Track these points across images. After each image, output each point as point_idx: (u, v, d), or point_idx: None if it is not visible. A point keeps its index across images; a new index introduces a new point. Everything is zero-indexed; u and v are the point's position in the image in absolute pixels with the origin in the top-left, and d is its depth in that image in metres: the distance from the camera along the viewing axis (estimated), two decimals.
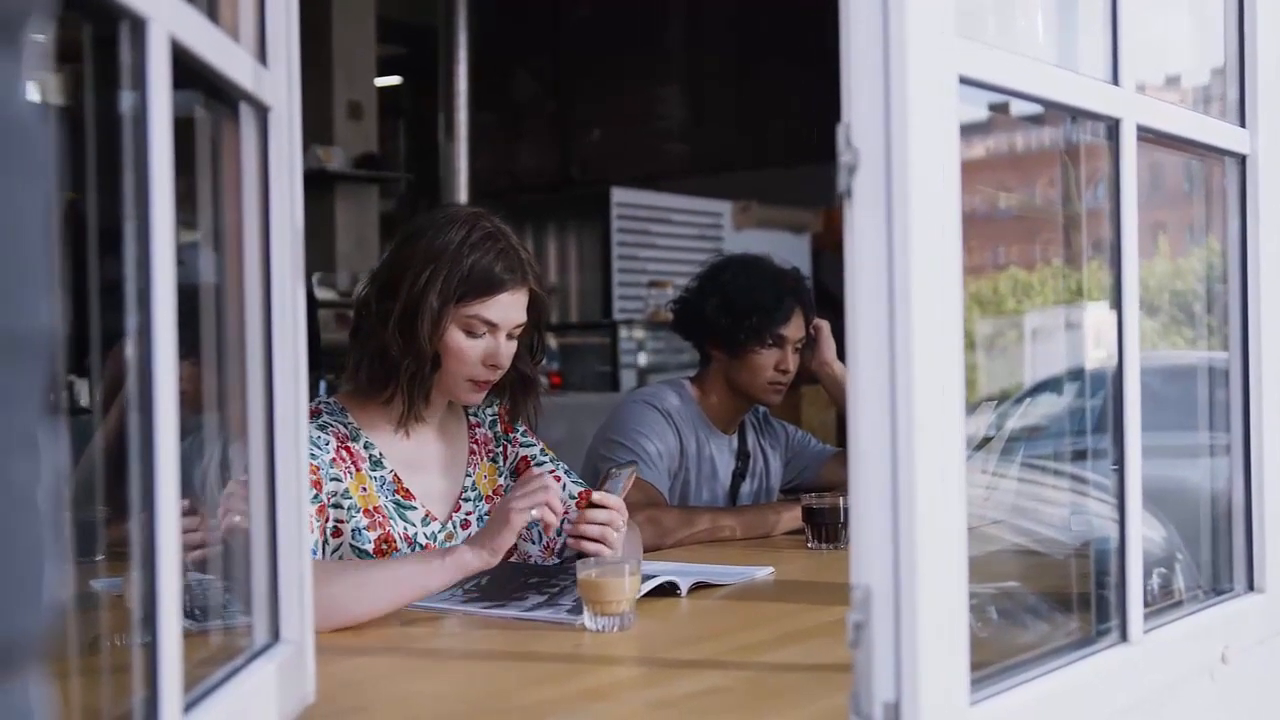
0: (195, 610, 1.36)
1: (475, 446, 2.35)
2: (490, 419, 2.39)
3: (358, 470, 2.16)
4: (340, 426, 2.17)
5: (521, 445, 2.40)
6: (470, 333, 2.16)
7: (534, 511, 1.95)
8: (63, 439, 0.59)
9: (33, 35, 0.57)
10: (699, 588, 2.14)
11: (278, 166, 1.35)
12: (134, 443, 0.99)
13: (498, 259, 2.16)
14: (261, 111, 1.33)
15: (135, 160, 0.99)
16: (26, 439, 0.55)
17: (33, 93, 0.57)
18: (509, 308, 2.18)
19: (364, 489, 2.15)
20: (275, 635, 1.35)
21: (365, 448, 2.19)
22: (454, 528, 2.26)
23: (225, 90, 1.25)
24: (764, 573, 2.31)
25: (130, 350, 1.00)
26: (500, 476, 2.36)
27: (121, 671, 1.12)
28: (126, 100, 1.00)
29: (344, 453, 2.15)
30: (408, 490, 2.21)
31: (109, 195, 1.00)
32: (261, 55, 1.33)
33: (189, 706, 1.08)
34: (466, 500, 2.30)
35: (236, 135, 1.32)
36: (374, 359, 2.17)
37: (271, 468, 1.35)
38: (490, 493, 2.33)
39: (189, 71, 1.10)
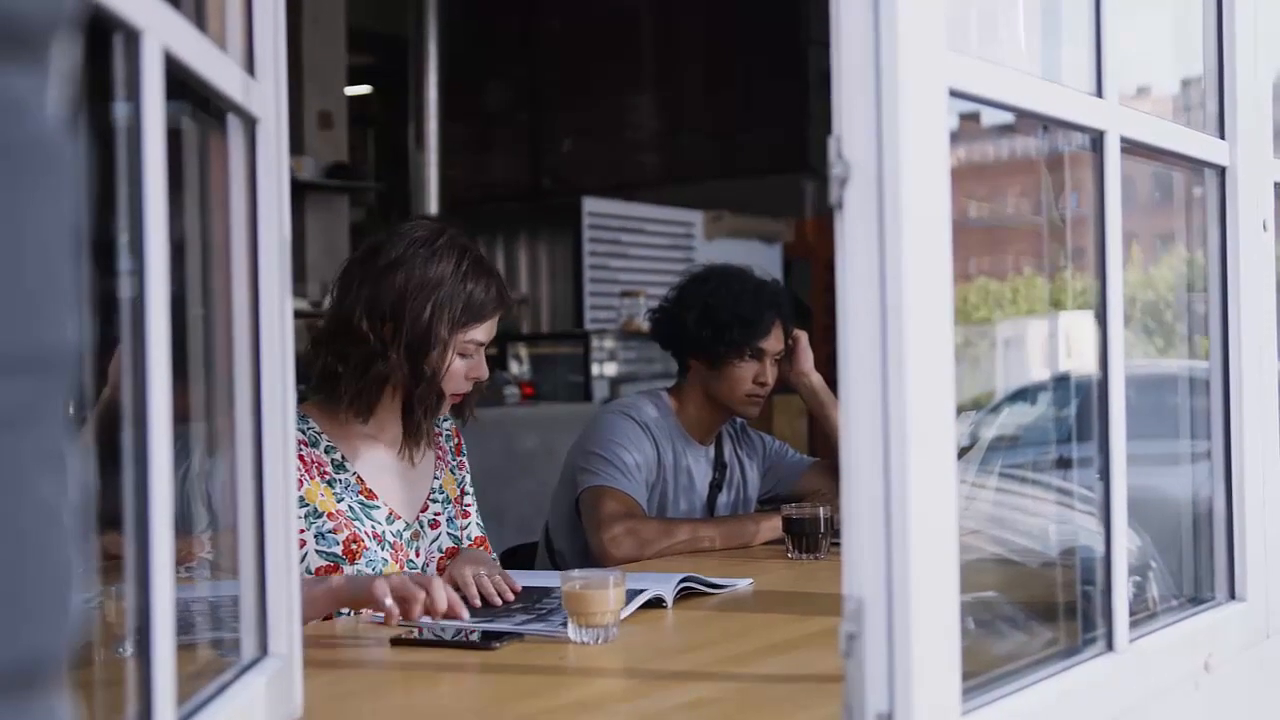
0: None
1: (440, 452, 2.44)
2: (446, 433, 2.47)
3: (312, 477, 2.21)
4: (298, 433, 2.19)
5: (466, 471, 2.50)
6: (463, 355, 2.27)
7: (388, 601, 1.90)
8: (86, 455, 0.58)
9: (58, 52, 0.57)
10: (685, 595, 2.15)
11: (266, 178, 1.34)
12: (127, 457, 0.98)
13: (491, 285, 2.28)
14: (250, 123, 1.32)
15: (129, 171, 0.98)
16: (54, 455, 0.55)
17: (57, 108, 0.57)
18: (494, 326, 2.31)
19: (322, 494, 2.21)
20: (263, 649, 1.34)
21: (327, 452, 2.25)
22: (421, 526, 2.34)
23: (214, 102, 1.24)
24: (744, 584, 2.32)
25: (121, 362, 1.00)
26: (457, 487, 2.45)
27: (108, 685, 1.12)
28: (119, 111, 0.99)
29: (299, 460, 2.18)
30: (371, 490, 2.27)
31: (99, 206, 0.99)
32: (250, 67, 1.32)
33: None
34: (435, 501, 2.38)
35: (224, 147, 1.31)
36: (370, 382, 2.22)
37: (259, 481, 1.34)
38: (453, 499, 2.42)
39: (178, 82, 1.09)
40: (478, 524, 2.49)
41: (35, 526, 0.54)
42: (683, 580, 2.16)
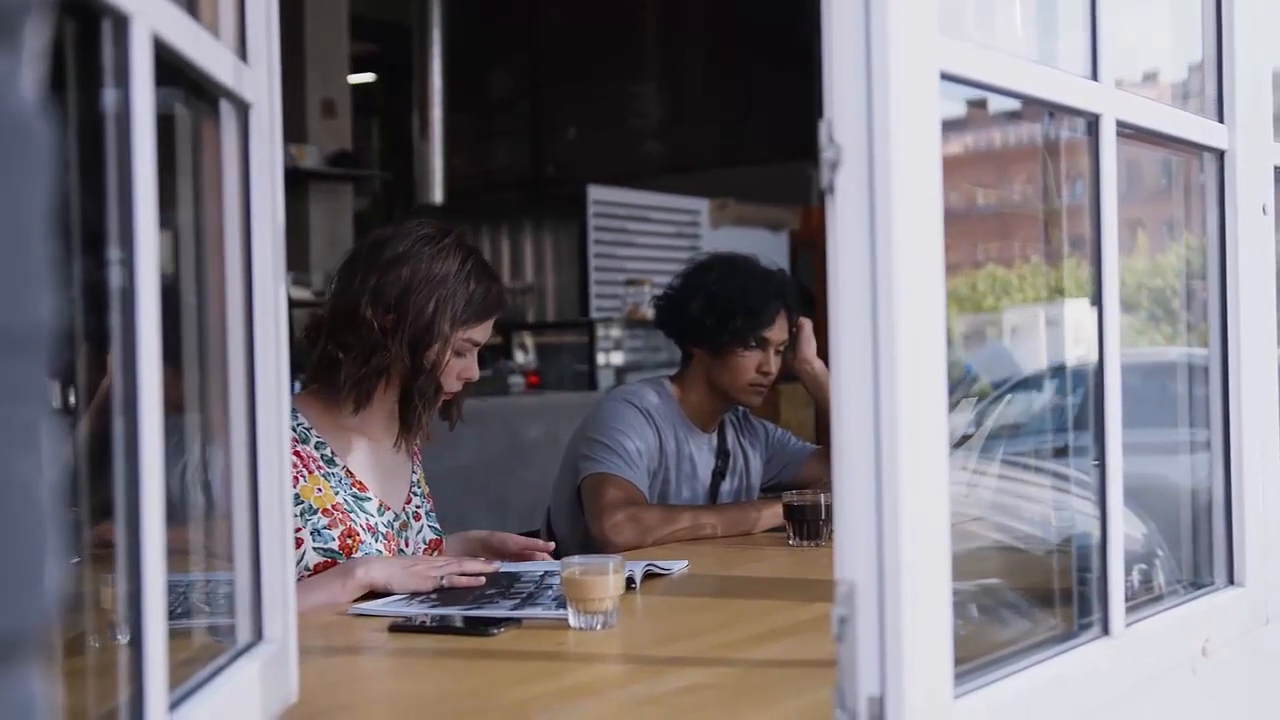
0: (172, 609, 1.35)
1: (416, 448, 2.46)
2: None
3: (310, 472, 2.23)
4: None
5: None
6: (459, 353, 2.30)
7: (444, 581, 2.11)
8: (63, 435, 0.59)
9: (32, 32, 0.57)
10: (649, 577, 2.20)
11: (259, 164, 1.34)
12: (118, 445, 0.98)
13: (491, 287, 2.31)
14: (242, 109, 1.32)
15: (118, 158, 0.98)
16: (29, 434, 0.56)
17: (31, 89, 0.57)
18: (490, 328, 2.35)
19: (319, 489, 2.23)
20: (258, 634, 1.35)
21: (316, 448, 2.27)
22: (407, 517, 2.38)
23: (206, 87, 1.24)
24: (680, 565, 2.35)
25: (113, 352, 1.00)
26: (426, 484, 2.50)
27: (102, 672, 1.12)
28: (108, 97, 0.99)
29: (294, 457, 2.19)
30: (361, 483, 2.30)
31: (88, 194, 0.99)
32: (242, 52, 1.32)
33: (173, 705, 1.07)
34: (416, 494, 2.42)
35: (216, 133, 1.31)
36: (370, 372, 2.24)
37: (254, 468, 1.34)
38: (426, 493, 2.47)
39: (169, 68, 1.09)
40: (432, 526, 2.51)
41: (9, 503, 0.54)
42: (645, 571, 2.19)
